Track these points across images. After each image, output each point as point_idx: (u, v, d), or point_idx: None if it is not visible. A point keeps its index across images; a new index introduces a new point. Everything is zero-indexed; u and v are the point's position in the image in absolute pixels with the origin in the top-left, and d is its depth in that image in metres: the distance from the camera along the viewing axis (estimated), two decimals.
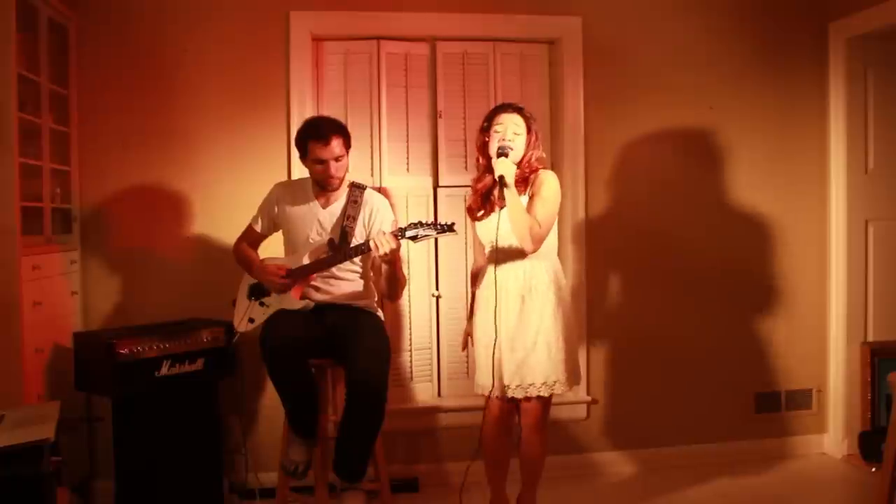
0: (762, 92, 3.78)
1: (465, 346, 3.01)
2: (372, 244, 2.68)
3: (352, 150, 2.95)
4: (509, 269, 2.72)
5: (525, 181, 2.72)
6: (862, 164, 3.79)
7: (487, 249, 2.81)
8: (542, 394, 2.70)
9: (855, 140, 3.77)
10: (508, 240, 2.70)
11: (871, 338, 3.79)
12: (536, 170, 2.75)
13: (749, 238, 3.79)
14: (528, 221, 2.63)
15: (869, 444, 3.61)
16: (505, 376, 2.70)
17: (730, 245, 3.77)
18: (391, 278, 2.86)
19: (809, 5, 3.81)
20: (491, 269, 2.75)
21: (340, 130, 2.87)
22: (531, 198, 2.70)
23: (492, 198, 2.74)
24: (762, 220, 3.80)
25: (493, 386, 2.71)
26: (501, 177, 2.58)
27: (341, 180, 2.92)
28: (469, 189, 2.94)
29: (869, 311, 3.80)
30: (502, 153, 2.64)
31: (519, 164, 2.70)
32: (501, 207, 2.67)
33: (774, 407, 3.85)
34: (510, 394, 2.71)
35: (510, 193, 2.59)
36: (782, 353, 3.83)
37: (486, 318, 2.72)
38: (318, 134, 2.82)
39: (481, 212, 2.79)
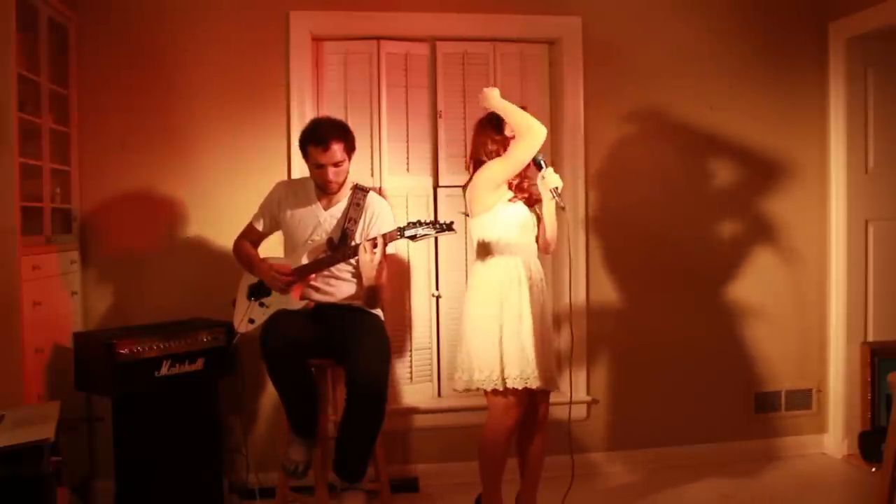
0: (762, 92, 3.78)
1: None
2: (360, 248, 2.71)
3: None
4: (533, 265, 2.78)
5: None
6: (862, 164, 3.79)
7: (511, 243, 2.76)
8: (556, 387, 2.81)
9: (855, 140, 3.77)
10: (531, 236, 2.81)
11: (871, 338, 3.79)
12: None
13: (749, 238, 3.79)
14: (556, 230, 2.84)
15: (869, 444, 3.61)
16: (545, 368, 2.72)
17: (729, 245, 3.77)
18: (368, 285, 2.82)
19: (809, 5, 3.81)
20: (511, 262, 2.75)
21: (342, 135, 2.84)
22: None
23: (531, 191, 2.82)
24: (762, 219, 3.80)
25: (536, 378, 2.68)
26: (557, 188, 2.71)
27: (340, 185, 2.91)
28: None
29: (869, 311, 3.80)
30: (541, 164, 2.74)
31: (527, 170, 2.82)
32: (533, 204, 2.80)
33: (774, 407, 3.85)
34: (553, 387, 2.78)
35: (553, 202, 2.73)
36: (782, 353, 3.83)
37: (525, 312, 2.71)
38: (318, 139, 2.80)
39: (524, 196, 2.82)
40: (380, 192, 3.43)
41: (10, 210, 2.63)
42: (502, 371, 2.68)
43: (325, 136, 2.80)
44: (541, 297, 2.77)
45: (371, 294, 2.85)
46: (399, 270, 3.55)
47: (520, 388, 2.67)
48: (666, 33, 3.69)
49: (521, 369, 2.67)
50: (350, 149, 2.88)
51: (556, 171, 2.76)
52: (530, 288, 2.72)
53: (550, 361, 2.76)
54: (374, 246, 2.70)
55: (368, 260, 2.70)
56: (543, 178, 2.72)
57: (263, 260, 2.99)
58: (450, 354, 3.63)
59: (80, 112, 3.30)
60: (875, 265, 3.80)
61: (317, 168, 2.85)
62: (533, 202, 2.83)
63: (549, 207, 2.77)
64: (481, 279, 2.79)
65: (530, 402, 2.78)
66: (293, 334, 2.77)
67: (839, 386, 3.82)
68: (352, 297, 2.96)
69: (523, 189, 2.80)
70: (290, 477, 2.91)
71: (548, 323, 2.82)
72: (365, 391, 2.70)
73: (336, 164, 2.83)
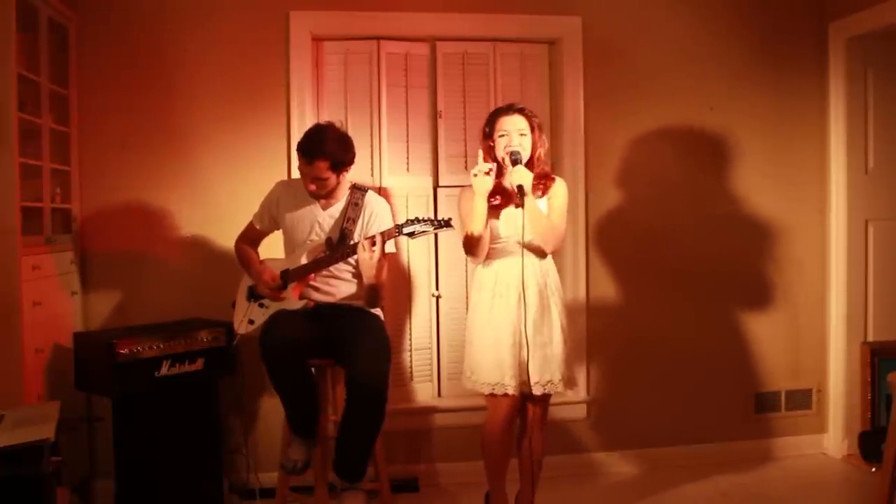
0: (762, 92, 3.78)
1: None
2: (359, 247, 2.70)
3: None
4: (527, 266, 2.71)
5: (543, 184, 2.74)
6: (862, 164, 3.79)
7: (500, 243, 2.75)
8: (558, 389, 2.73)
9: (855, 140, 3.76)
10: (527, 238, 2.70)
11: (871, 338, 3.79)
12: (549, 174, 2.80)
13: (749, 238, 3.80)
14: (548, 225, 2.70)
15: (869, 444, 3.61)
16: (531, 373, 2.67)
17: (729, 244, 3.77)
18: (368, 283, 2.81)
19: (809, 5, 3.81)
20: (505, 264, 2.73)
21: (328, 155, 2.76)
22: (549, 200, 2.76)
23: (505, 192, 2.73)
24: (762, 219, 3.80)
25: (513, 384, 2.66)
26: (521, 186, 2.59)
27: (325, 196, 2.90)
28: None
29: (869, 311, 3.80)
30: (515, 161, 2.64)
31: (530, 165, 2.71)
32: (518, 206, 2.67)
33: (774, 407, 3.85)
34: (536, 391, 2.68)
35: (530, 200, 2.61)
36: (782, 353, 3.83)
37: (505, 315, 2.69)
38: (305, 150, 2.78)
39: (497, 200, 2.72)
40: (380, 191, 3.42)
41: (10, 210, 2.63)
42: (477, 375, 2.73)
43: (311, 151, 2.77)
44: (536, 301, 2.70)
45: (371, 293, 2.85)
46: (399, 270, 3.55)
47: (486, 392, 2.70)
48: (666, 34, 3.69)
49: (495, 375, 2.68)
50: (338, 167, 2.81)
51: (555, 170, 2.74)
52: (519, 294, 2.68)
53: (533, 367, 2.67)
54: (373, 244, 2.70)
55: (367, 258, 2.70)
56: (511, 174, 2.63)
57: (261, 262, 2.99)
58: (450, 354, 3.64)
59: (80, 112, 3.30)
60: (875, 265, 3.80)
61: (302, 174, 2.86)
62: (513, 203, 2.72)
63: (530, 206, 2.62)
64: (474, 284, 2.84)
65: (524, 405, 2.77)
66: (292, 334, 2.77)
67: (839, 386, 3.81)
68: (351, 297, 2.96)
69: (495, 193, 2.72)
70: (289, 475, 2.91)
71: (537, 327, 2.70)
72: (365, 391, 2.70)
73: (317, 179, 2.81)
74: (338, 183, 2.87)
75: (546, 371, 2.70)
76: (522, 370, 2.68)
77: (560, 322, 2.75)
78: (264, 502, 3.19)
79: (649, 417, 3.72)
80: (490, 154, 2.76)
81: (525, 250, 2.72)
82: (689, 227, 3.73)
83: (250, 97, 3.41)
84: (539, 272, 2.74)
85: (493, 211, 2.72)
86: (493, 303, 2.72)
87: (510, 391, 2.67)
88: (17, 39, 2.66)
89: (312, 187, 2.83)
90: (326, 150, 2.77)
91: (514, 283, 2.70)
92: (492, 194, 2.72)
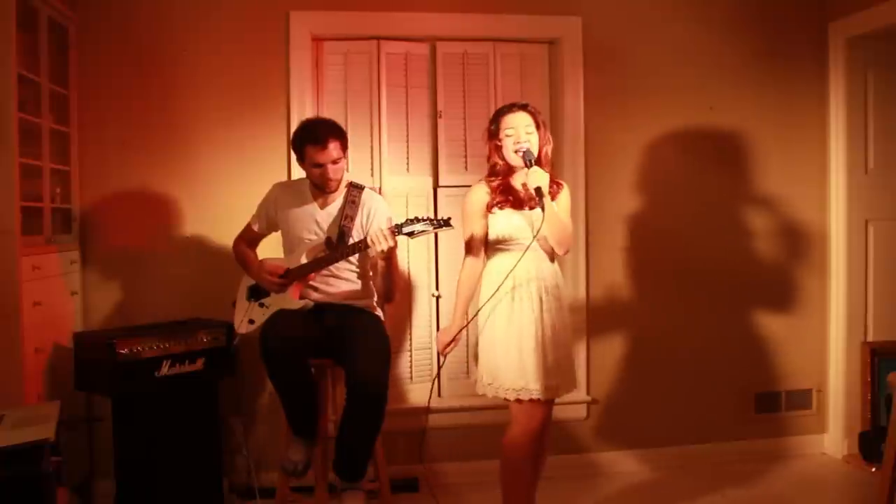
0: (762, 92, 3.78)
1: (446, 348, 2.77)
2: (369, 240, 2.66)
3: (352, 151, 2.94)
4: (544, 267, 2.68)
5: (552, 190, 2.70)
6: (862, 164, 3.79)
7: (515, 245, 2.68)
8: (569, 392, 2.72)
9: (855, 140, 3.77)
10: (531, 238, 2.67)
11: (871, 338, 3.79)
12: (556, 180, 2.76)
13: (749, 238, 3.79)
14: (565, 228, 2.67)
15: (869, 444, 3.61)
16: (552, 376, 2.62)
17: (730, 245, 3.77)
18: (386, 278, 2.83)
19: (809, 5, 3.81)
20: (521, 266, 2.64)
21: (337, 133, 2.85)
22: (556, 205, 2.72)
23: (517, 193, 2.69)
24: (762, 219, 3.80)
25: (538, 388, 2.59)
26: (539, 188, 2.55)
27: (339, 182, 2.92)
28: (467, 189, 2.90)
29: (869, 311, 3.80)
30: (530, 162, 2.59)
31: (539, 163, 2.67)
32: (531, 208, 2.65)
33: (774, 407, 3.85)
34: (560, 393, 2.66)
35: (547, 202, 2.57)
36: (782, 353, 3.83)
37: (527, 317, 2.62)
38: (315, 138, 2.80)
39: (506, 203, 2.68)
40: (379, 192, 3.43)
41: (10, 210, 2.63)
42: (500, 381, 2.64)
43: (322, 134, 2.81)
44: (554, 302, 2.66)
45: (386, 281, 2.86)
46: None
47: (511, 399, 2.61)
48: (666, 33, 3.69)
49: (517, 381, 2.60)
50: (345, 146, 2.89)
51: (555, 170, 2.71)
52: (531, 294, 2.64)
53: (556, 370, 2.64)
54: (394, 233, 2.64)
55: (384, 248, 2.63)
56: (527, 175, 2.59)
57: (260, 261, 2.99)
58: (450, 354, 3.62)
59: (80, 112, 3.30)
60: (875, 265, 3.80)
61: (315, 167, 2.85)
62: (525, 202, 2.68)
63: (548, 209, 2.57)
64: (486, 286, 2.74)
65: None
66: (293, 334, 2.77)
67: (839, 386, 3.82)
68: (351, 297, 2.96)
69: (508, 192, 2.68)
70: (289, 477, 2.91)
71: (556, 329, 2.65)
72: (365, 391, 2.70)
73: (334, 162, 2.84)
74: (344, 170, 2.90)
75: (568, 373, 2.69)
76: (548, 374, 2.61)
77: (570, 324, 2.76)
78: (264, 502, 3.19)
79: (649, 417, 3.72)
80: (497, 154, 2.72)
81: (537, 252, 2.68)
82: (688, 226, 3.73)
83: (250, 97, 3.41)
84: (554, 273, 2.72)
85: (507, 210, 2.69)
86: (512, 306, 2.64)
87: (535, 395, 2.59)
88: (17, 39, 2.66)
89: (329, 173, 2.84)
90: (334, 129, 2.84)
91: (534, 285, 2.64)
92: (502, 195, 2.68)
